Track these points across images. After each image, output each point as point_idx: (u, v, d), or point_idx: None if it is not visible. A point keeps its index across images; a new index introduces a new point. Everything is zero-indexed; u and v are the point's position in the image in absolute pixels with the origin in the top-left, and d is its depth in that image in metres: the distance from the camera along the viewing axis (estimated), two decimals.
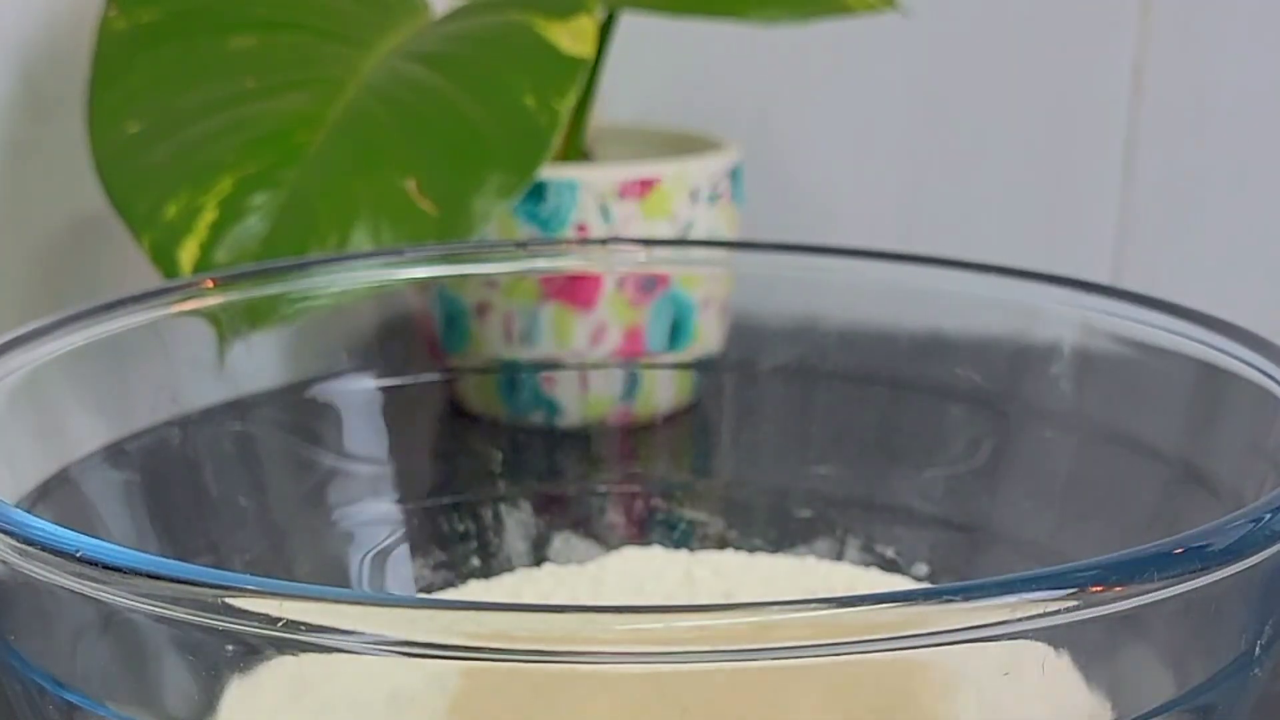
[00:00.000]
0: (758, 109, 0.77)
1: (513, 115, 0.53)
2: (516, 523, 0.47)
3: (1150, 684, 0.31)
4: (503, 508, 0.47)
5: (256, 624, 0.24)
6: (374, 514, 0.46)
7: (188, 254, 0.50)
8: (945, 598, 0.25)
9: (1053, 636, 0.31)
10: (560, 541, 0.47)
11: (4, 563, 0.28)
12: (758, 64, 0.77)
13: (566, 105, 0.53)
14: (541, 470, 0.52)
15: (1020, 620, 0.25)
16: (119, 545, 0.27)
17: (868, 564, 0.45)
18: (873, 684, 0.30)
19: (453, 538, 0.46)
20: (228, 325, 0.43)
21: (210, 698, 0.35)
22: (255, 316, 0.44)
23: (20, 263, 0.63)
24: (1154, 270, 0.75)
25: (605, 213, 0.58)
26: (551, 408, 0.54)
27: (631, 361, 0.57)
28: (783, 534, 0.46)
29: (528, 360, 0.56)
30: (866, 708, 0.31)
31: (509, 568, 0.47)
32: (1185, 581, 0.26)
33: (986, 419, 0.45)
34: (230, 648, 0.34)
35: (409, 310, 0.55)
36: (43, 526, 0.27)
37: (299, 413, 0.45)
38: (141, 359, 0.41)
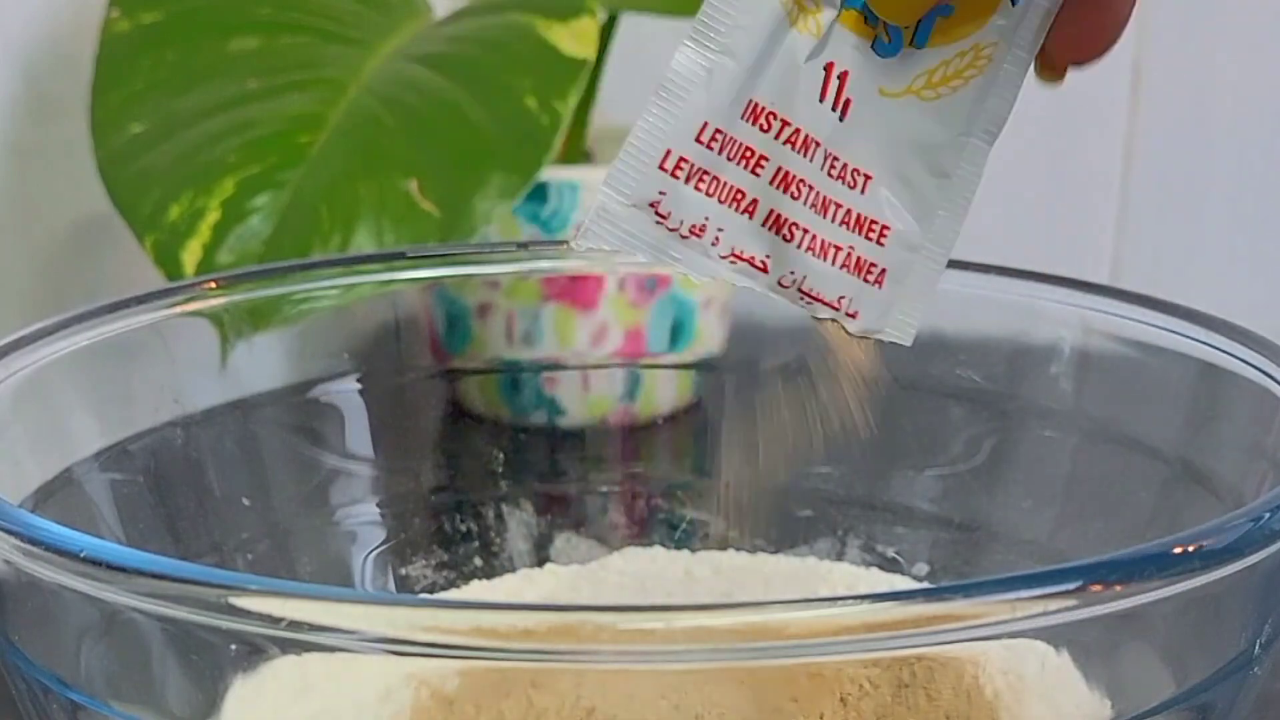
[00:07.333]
0: None
1: (514, 116, 0.53)
2: (518, 523, 0.47)
3: (1150, 682, 0.32)
4: (505, 508, 0.47)
5: (260, 623, 0.25)
6: (376, 514, 0.46)
7: (190, 255, 0.50)
8: (945, 597, 0.25)
9: (1053, 635, 0.31)
10: (562, 541, 0.47)
11: (8, 563, 0.28)
12: None
13: (568, 106, 0.53)
14: (543, 470, 0.52)
15: (1020, 619, 0.25)
16: (122, 545, 0.27)
17: (868, 564, 0.46)
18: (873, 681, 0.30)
19: (455, 538, 0.46)
20: (230, 326, 0.43)
21: (213, 696, 0.35)
22: (258, 317, 0.44)
23: (24, 264, 0.63)
24: (1154, 270, 0.75)
25: None
26: (553, 408, 0.54)
27: (633, 362, 0.57)
28: (783, 534, 0.46)
29: (529, 360, 0.56)
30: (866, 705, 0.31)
31: (511, 568, 0.47)
32: (1185, 580, 0.26)
33: (986, 419, 0.45)
34: (233, 647, 0.34)
35: (411, 311, 0.55)
36: (47, 526, 0.27)
37: (301, 413, 0.45)
38: (144, 360, 0.41)
